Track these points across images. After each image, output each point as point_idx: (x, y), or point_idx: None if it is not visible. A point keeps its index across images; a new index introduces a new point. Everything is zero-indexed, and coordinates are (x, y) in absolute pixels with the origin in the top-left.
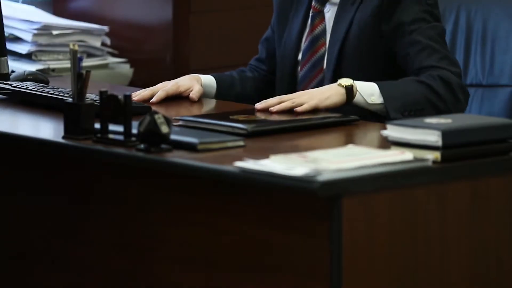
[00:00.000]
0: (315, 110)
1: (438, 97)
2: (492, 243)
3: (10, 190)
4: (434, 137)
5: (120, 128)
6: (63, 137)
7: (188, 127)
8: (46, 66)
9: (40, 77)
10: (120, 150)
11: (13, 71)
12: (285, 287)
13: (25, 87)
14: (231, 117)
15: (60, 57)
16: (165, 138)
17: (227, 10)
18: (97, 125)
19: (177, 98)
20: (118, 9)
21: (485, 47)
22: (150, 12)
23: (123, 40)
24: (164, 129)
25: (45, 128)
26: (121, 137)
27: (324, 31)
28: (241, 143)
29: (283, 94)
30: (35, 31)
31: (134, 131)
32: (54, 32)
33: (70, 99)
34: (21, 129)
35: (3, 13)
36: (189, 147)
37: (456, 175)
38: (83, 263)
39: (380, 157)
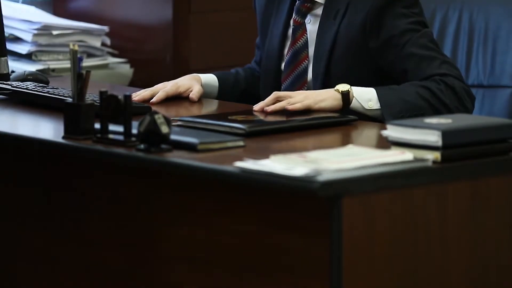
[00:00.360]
0: (308, 111)
1: (440, 102)
2: (492, 243)
3: (10, 190)
4: (434, 137)
5: (120, 128)
6: (63, 137)
7: (187, 127)
8: (46, 66)
9: (40, 77)
10: (120, 150)
11: (13, 71)
12: (285, 287)
13: (25, 87)
14: (229, 117)
15: (60, 57)
16: (165, 138)
17: (227, 10)
18: (97, 125)
19: (177, 98)
20: (118, 9)
21: (486, 48)
22: (150, 12)
23: (123, 40)
24: (164, 129)
25: (45, 128)
26: (121, 137)
27: (306, 44)
28: (241, 143)
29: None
30: (35, 31)
31: (134, 131)
32: (54, 32)
33: (70, 99)
34: (21, 129)
35: (3, 13)
36: (189, 147)
37: (456, 175)
38: (83, 263)
39: (380, 157)
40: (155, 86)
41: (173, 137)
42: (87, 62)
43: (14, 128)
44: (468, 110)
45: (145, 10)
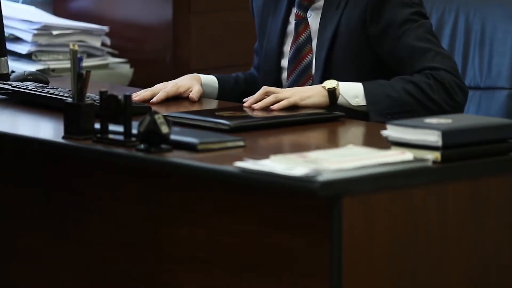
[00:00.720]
0: (294, 107)
1: (428, 97)
2: (492, 243)
3: (10, 190)
4: (434, 137)
5: (120, 128)
6: (63, 137)
7: (175, 123)
8: (46, 66)
9: (40, 77)
10: (120, 150)
11: (13, 71)
12: (285, 287)
13: (25, 87)
14: (216, 113)
15: (60, 57)
16: (165, 138)
17: (227, 10)
18: (97, 125)
19: (177, 98)
20: (118, 9)
21: (483, 49)
22: (150, 12)
23: (123, 40)
24: (164, 129)
25: (45, 128)
26: (121, 137)
27: (309, 38)
28: (241, 143)
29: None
30: (35, 31)
31: (134, 131)
32: (54, 32)
33: (70, 99)
34: (21, 129)
35: (3, 13)
36: (189, 147)
37: (456, 175)
38: (83, 263)
39: (380, 157)
40: (155, 86)
41: (173, 137)
42: (87, 62)
43: (14, 128)
44: (458, 103)
45: (145, 10)
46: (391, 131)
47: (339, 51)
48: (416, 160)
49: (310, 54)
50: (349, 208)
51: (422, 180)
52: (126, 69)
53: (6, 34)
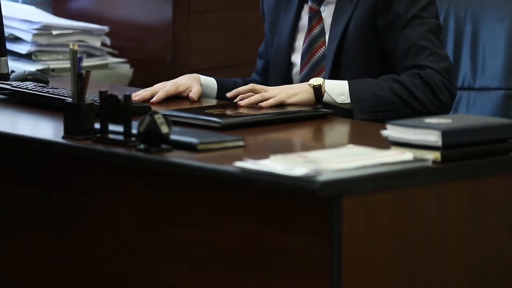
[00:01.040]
0: (281, 105)
1: (413, 97)
2: (492, 243)
3: (10, 190)
4: (434, 137)
5: (120, 128)
6: (63, 137)
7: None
8: (46, 66)
9: (40, 77)
10: (120, 150)
11: (13, 71)
12: (285, 287)
13: (25, 87)
14: (206, 111)
15: (60, 57)
16: (165, 138)
17: (227, 10)
18: (97, 125)
19: (177, 98)
20: (118, 9)
21: (476, 50)
22: (150, 12)
23: (123, 40)
24: (164, 129)
25: (45, 128)
26: (121, 137)
27: (322, 31)
28: (241, 143)
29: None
30: (35, 31)
31: (134, 131)
32: (54, 32)
33: (70, 99)
34: (21, 129)
35: (3, 13)
36: (189, 147)
37: (456, 175)
38: (83, 263)
39: (380, 157)
40: (155, 85)
41: (173, 137)
42: (87, 62)
43: (14, 128)
44: (444, 104)
45: (145, 10)
46: (391, 131)
47: (349, 42)
48: (416, 160)
49: (323, 47)
50: (349, 208)
51: (422, 180)
52: (126, 69)
53: (6, 34)
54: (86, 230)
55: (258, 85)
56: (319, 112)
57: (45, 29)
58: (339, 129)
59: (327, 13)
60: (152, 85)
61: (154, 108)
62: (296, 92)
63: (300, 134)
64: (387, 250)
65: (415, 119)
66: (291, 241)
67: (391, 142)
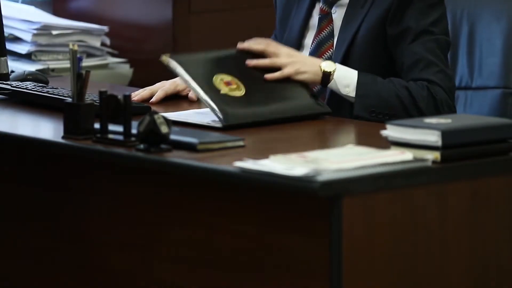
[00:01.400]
0: (287, 79)
1: (416, 107)
2: (492, 243)
3: (10, 190)
4: (434, 137)
5: (120, 128)
6: (63, 137)
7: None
8: (45, 66)
9: (39, 77)
10: (120, 150)
11: (12, 71)
12: (285, 287)
13: (25, 87)
14: (220, 93)
15: (60, 57)
16: (164, 138)
17: (227, 10)
18: (97, 125)
19: (176, 98)
20: (118, 9)
21: (473, 50)
22: (150, 12)
23: (123, 40)
24: (164, 129)
25: (45, 128)
26: (120, 137)
27: (331, 33)
28: (241, 143)
29: None
30: (35, 31)
31: (134, 131)
32: (54, 32)
33: (70, 99)
34: (21, 129)
35: (3, 13)
36: (189, 147)
37: (456, 175)
38: (83, 263)
39: (380, 157)
40: (154, 85)
41: (172, 137)
42: (86, 62)
43: (14, 128)
44: None
45: (145, 10)
46: (391, 131)
47: (357, 48)
48: (416, 160)
49: (330, 50)
50: (349, 208)
51: (422, 180)
52: (125, 69)
53: (5, 34)
54: (86, 230)
55: (273, 45)
56: (317, 111)
57: (45, 29)
58: (339, 129)
59: (337, 15)
60: (151, 85)
61: (153, 108)
62: (305, 70)
63: (300, 134)
64: (387, 250)
65: (415, 119)
66: (291, 241)
67: (391, 142)
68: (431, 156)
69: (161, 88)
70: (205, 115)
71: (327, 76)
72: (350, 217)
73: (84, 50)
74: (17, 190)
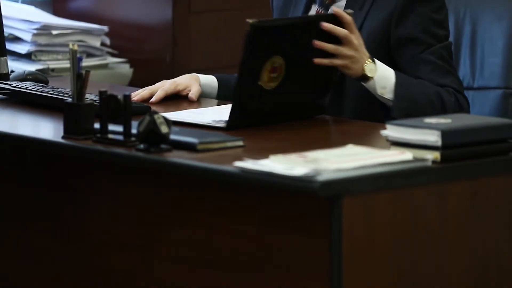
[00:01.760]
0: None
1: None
2: (492, 243)
3: (10, 190)
4: (433, 137)
5: (119, 128)
6: (63, 137)
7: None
8: (45, 66)
9: (39, 77)
10: (120, 150)
11: (12, 71)
12: (285, 287)
13: (24, 87)
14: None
15: (60, 57)
16: (164, 138)
17: (227, 10)
18: (97, 125)
19: (176, 98)
20: (118, 9)
21: (474, 50)
22: (150, 12)
23: (123, 40)
24: (164, 129)
25: (45, 128)
26: (120, 137)
27: None
28: (241, 142)
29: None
30: (35, 31)
31: (134, 131)
32: (54, 32)
33: (69, 99)
34: (21, 129)
35: (3, 13)
36: (189, 147)
37: (456, 175)
38: (83, 263)
39: (380, 157)
40: (154, 85)
41: (172, 137)
42: (86, 62)
43: (14, 128)
44: None
45: (145, 10)
46: (391, 131)
47: None
48: (415, 160)
49: None
50: (349, 208)
51: (422, 180)
52: (125, 69)
53: (5, 34)
54: (86, 230)
55: (354, 37)
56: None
57: (44, 29)
58: (339, 129)
59: None
60: (151, 85)
61: (153, 108)
62: (351, 67)
63: (300, 134)
64: (387, 250)
65: (415, 119)
66: (291, 241)
67: (391, 142)
68: (431, 156)
69: (161, 88)
70: (205, 115)
71: (367, 78)
72: (350, 217)
73: (84, 50)
74: (17, 190)
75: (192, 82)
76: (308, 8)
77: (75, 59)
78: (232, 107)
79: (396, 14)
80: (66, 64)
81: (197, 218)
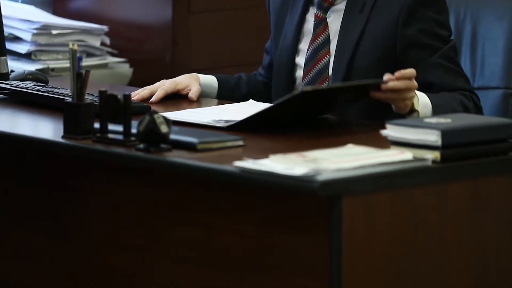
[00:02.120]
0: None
1: None
2: (492, 243)
3: (10, 190)
4: (433, 137)
5: (119, 128)
6: (63, 137)
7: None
8: (45, 66)
9: (39, 76)
10: (120, 149)
11: (12, 71)
12: (285, 287)
13: (24, 86)
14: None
15: (60, 56)
16: (164, 137)
17: (227, 10)
18: (96, 125)
19: (176, 98)
20: (118, 9)
21: (475, 50)
22: (150, 12)
23: (123, 40)
24: (164, 128)
25: (45, 128)
26: (120, 137)
27: (327, 40)
28: (241, 142)
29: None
30: (35, 31)
31: (134, 130)
32: (54, 32)
33: (69, 99)
34: (21, 129)
35: (3, 13)
36: (189, 147)
37: (456, 175)
38: (83, 263)
39: (380, 156)
40: (154, 84)
41: (172, 136)
42: (86, 62)
43: (14, 128)
44: None
45: (145, 10)
46: (391, 131)
47: (362, 57)
48: (415, 159)
49: (327, 56)
50: (349, 208)
51: (422, 180)
52: (125, 69)
53: (5, 34)
54: (86, 230)
55: (412, 80)
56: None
57: (44, 29)
58: (339, 129)
59: (333, 20)
60: (151, 85)
61: (153, 107)
62: (406, 104)
63: (300, 134)
64: (387, 250)
65: (415, 119)
66: (291, 241)
67: (391, 142)
68: (431, 155)
69: (161, 88)
70: (205, 115)
71: (414, 111)
72: (350, 217)
73: (84, 49)
74: (17, 190)
75: (192, 81)
76: (306, 10)
77: (75, 59)
78: (255, 116)
79: (402, 17)
80: (66, 63)
81: (197, 218)
